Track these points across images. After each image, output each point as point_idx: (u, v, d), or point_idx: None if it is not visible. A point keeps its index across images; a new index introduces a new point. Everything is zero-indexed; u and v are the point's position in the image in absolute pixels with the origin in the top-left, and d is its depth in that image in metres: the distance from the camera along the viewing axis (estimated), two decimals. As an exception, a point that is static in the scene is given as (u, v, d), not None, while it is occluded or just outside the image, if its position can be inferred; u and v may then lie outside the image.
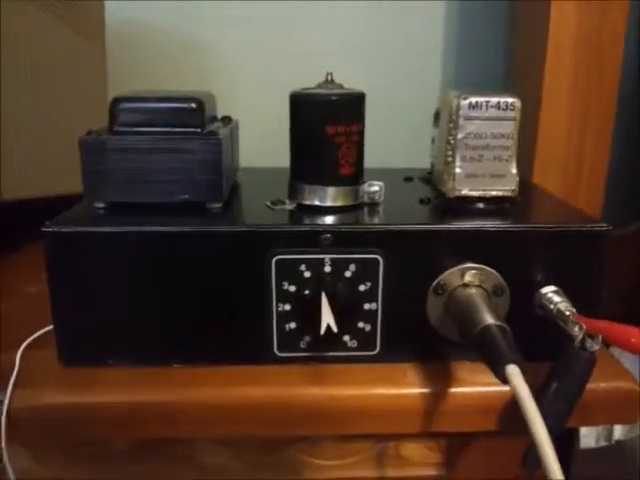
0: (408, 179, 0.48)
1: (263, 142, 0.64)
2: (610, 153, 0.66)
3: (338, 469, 0.41)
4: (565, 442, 0.65)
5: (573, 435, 0.62)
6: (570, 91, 0.63)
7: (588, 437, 0.62)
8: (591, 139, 0.65)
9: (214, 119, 0.44)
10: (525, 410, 0.27)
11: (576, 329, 0.32)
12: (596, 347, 0.32)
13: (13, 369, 0.35)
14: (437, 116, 0.44)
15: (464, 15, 0.73)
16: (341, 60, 0.71)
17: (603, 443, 0.60)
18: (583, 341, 0.32)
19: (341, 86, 0.39)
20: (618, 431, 0.60)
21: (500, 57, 0.74)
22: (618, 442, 0.60)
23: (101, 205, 0.37)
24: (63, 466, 0.40)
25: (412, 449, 0.41)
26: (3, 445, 0.34)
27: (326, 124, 0.36)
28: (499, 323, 0.31)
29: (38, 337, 0.38)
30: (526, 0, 0.67)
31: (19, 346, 0.37)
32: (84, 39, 0.61)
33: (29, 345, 0.38)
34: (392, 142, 0.70)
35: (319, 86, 0.39)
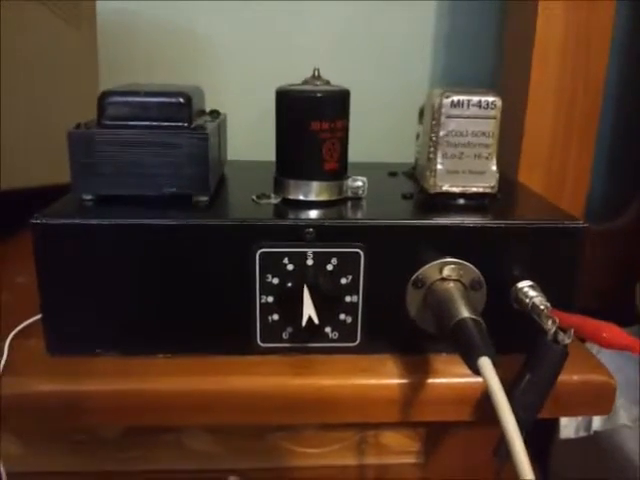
0: (392, 174, 0.49)
1: (251, 134, 0.64)
2: (594, 151, 0.67)
3: (319, 457, 0.42)
4: (545, 432, 0.66)
5: (553, 425, 0.64)
6: (556, 89, 0.64)
7: (568, 427, 0.63)
8: (576, 137, 0.66)
9: (202, 113, 0.45)
10: (496, 402, 0.28)
11: (549, 323, 0.33)
12: (568, 340, 0.33)
13: (1, 357, 0.36)
14: (422, 113, 0.45)
15: (454, 11, 0.73)
16: (329, 54, 0.72)
17: (582, 434, 0.62)
18: (556, 334, 0.33)
19: (328, 82, 0.40)
20: (597, 422, 0.61)
21: (489, 54, 0.75)
22: (596, 433, 0.61)
23: (89, 197, 0.38)
24: (52, 453, 0.41)
25: (391, 438, 0.42)
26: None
27: (311, 120, 0.37)
28: (474, 317, 0.32)
29: (26, 326, 0.39)
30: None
31: (7, 335, 0.38)
32: (75, 30, 0.61)
33: (17, 334, 0.38)
34: (380, 136, 0.71)
35: (306, 82, 0.40)
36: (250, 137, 0.63)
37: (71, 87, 0.60)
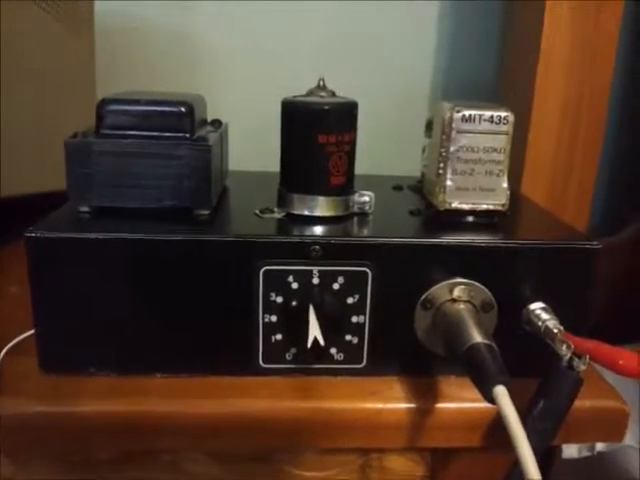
0: (397, 188, 0.47)
1: (252, 143, 0.63)
2: (598, 163, 0.67)
3: (320, 480, 0.41)
4: (547, 452, 0.65)
5: (555, 445, 0.63)
6: (561, 97, 0.63)
7: (570, 447, 0.62)
8: (581, 149, 0.66)
9: (204, 123, 0.43)
10: (512, 433, 0.27)
11: (564, 348, 0.32)
12: (583, 367, 0.32)
13: (-8, 376, 0.34)
14: (429, 125, 0.44)
15: (457, 12, 0.72)
16: (331, 58, 0.71)
17: (585, 454, 0.61)
18: (570, 360, 0.32)
19: (333, 93, 0.39)
20: (600, 443, 0.60)
21: (492, 60, 0.74)
22: (600, 453, 0.60)
23: (86, 209, 0.37)
24: (44, 473, 0.39)
25: (396, 461, 0.40)
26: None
27: (317, 133, 0.36)
28: (487, 342, 0.30)
29: (21, 341, 0.37)
30: (521, 0, 0.66)
31: (0, 350, 0.36)
32: (74, 35, 0.60)
33: (10, 349, 0.37)
34: (379, 147, 0.70)
35: (311, 92, 0.39)
36: (251, 145, 0.62)
37: (69, 92, 0.59)
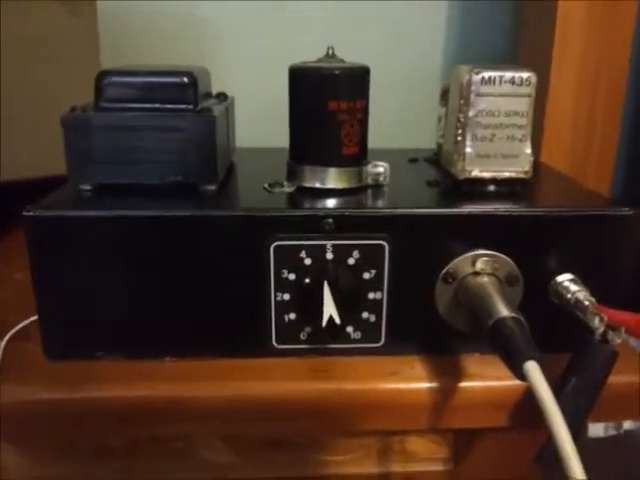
0: (413, 160, 0.45)
1: (262, 121, 0.61)
2: (619, 132, 0.64)
3: (342, 465, 0.39)
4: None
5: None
6: (579, 65, 0.60)
7: (597, 426, 0.60)
8: (600, 119, 0.63)
9: (208, 95, 0.42)
10: (545, 410, 0.25)
11: (597, 321, 0.30)
12: (618, 340, 0.30)
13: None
14: (445, 94, 0.41)
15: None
16: (341, 34, 0.68)
17: (612, 432, 0.59)
18: (604, 334, 0.30)
19: (342, 61, 0.37)
20: (628, 420, 0.58)
21: (505, 32, 0.71)
22: (627, 431, 0.58)
23: (87, 187, 0.35)
24: (53, 462, 0.38)
25: (418, 444, 0.39)
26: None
27: (328, 100, 0.34)
28: (515, 315, 0.28)
29: (24, 327, 0.36)
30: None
31: (2, 337, 0.35)
32: (76, 17, 0.58)
33: (14, 335, 0.35)
34: (392, 120, 0.67)
35: (319, 61, 0.36)
36: (259, 124, 0.60)
37: (72, 77, 0.57)
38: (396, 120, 0.68)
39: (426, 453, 0.39)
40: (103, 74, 0.35)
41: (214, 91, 0.44)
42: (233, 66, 0.69)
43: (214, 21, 0.68)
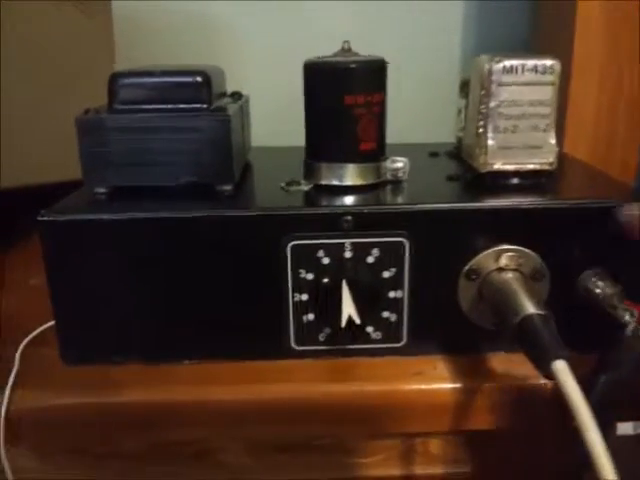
0: (433, 154, 0.44)
1: (277, 120, 0.60)
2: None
3: (364, 467, 0.38)
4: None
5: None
6: (602, 57, 0.59)
7: (626, 424, 0.58)
8: (624, 108, 0.61)
9: (223, 95, 0.41)
10: (576, 411, 0.24)
11: (627, 316, 0.29)
12: (650, 336, 0.28)
13: (12, 368, 0.33)
14: (464, 85, 0.40)
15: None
16: (357, 30, 0.67)
17: (643, 431, 0.57)
18: (636, 330, 0.29)
19: (358, 55, 0.36)
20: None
21: (525, 19, 0.70)
22: (660, 430, 0.56)
23: (102, 190, 0.35)
24: (71, 466, 0.37)
25: (440, 446, 0.38)
26: (1, 447, 0.31)
27: (344, 94, 0.33)
28: (542, 312, 0.27)
29: (40, 332, 0.36)
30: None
31: (20, 343, 0.35)
32: (88, 18, 0.58)
33: (30, 342, 0.35)
34: (410, 115, 0.66)
35: (335, 55, 0.36)
36: (275, 124, 0.59)
37: (87, 77, 0.57)
38: (417, 115, 0.67)
39: (449, 455, 0.38)
40: (116, 76, 0.35)
41: (229, 90, 0.43)
42: (248, 65, 0.68)
43: (228, 20, 0.68)
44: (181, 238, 0.32)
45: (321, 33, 0.66)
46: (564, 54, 0.59)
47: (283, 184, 0.36)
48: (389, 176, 0.36)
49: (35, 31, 0.49)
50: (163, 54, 0.67)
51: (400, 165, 0.36)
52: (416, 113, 0.67)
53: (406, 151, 0.38)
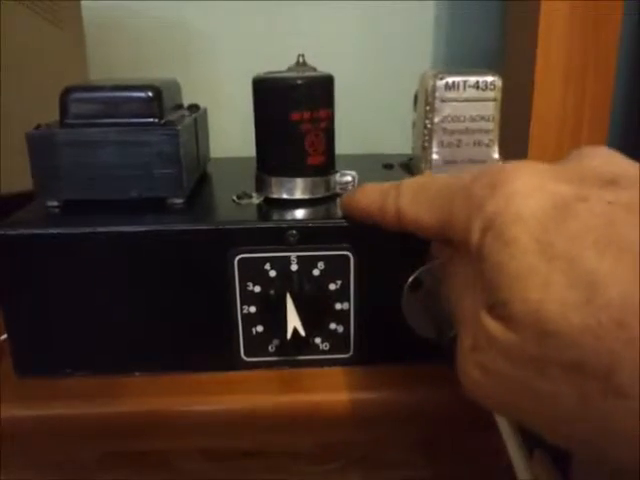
0: (388, 166, 0.45)
1: (248, 130, 0.61)
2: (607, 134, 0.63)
3: (320, 475, 0.39)
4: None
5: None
6: (565, 67, 0.60)
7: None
8: (588, 116, 0.62)
9: (179, 107, 0.42)
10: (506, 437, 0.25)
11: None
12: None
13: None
14: (417, 98, 0.41)
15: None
16: (325, 41, 0.68)
17: None
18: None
19: (314, 69, 0.36)
20: None
21: (493, 33, 0.70)
22: None
23: (54, 204, 0.35)
24: (26, 475, 0.38)
25: (393, 454, 0.38)
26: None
27: (289, 110, 0.34)
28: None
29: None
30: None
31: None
32: (59, 29, 0.58)
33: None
34: (379, 125, 0.67)
35: (290, 69, 0.36)
36: (247, 132, 0.59)
37: (56, 87, 0.57)
38: (384, 125, 0.68)
39: (402, 463, 0.39)
40: (67, 90, 0.35)
41: (202, 104, 0.44)
42: (222, 72, 0.69)
43: (201, 30, 0.68)
44: (130, 251, 0.32)
45: (290, 42, 0.67)
46: (529, 56, 0.60)
47: (235, 197, 0.36)
48: (338, 189, 0.37)
49: (10, 43, 0.49)
50: (137, 62, 0.67)
51: (349, 179, 0.36)
52: (386, 123, 0.68)
53: (361, 162, 0.38)
